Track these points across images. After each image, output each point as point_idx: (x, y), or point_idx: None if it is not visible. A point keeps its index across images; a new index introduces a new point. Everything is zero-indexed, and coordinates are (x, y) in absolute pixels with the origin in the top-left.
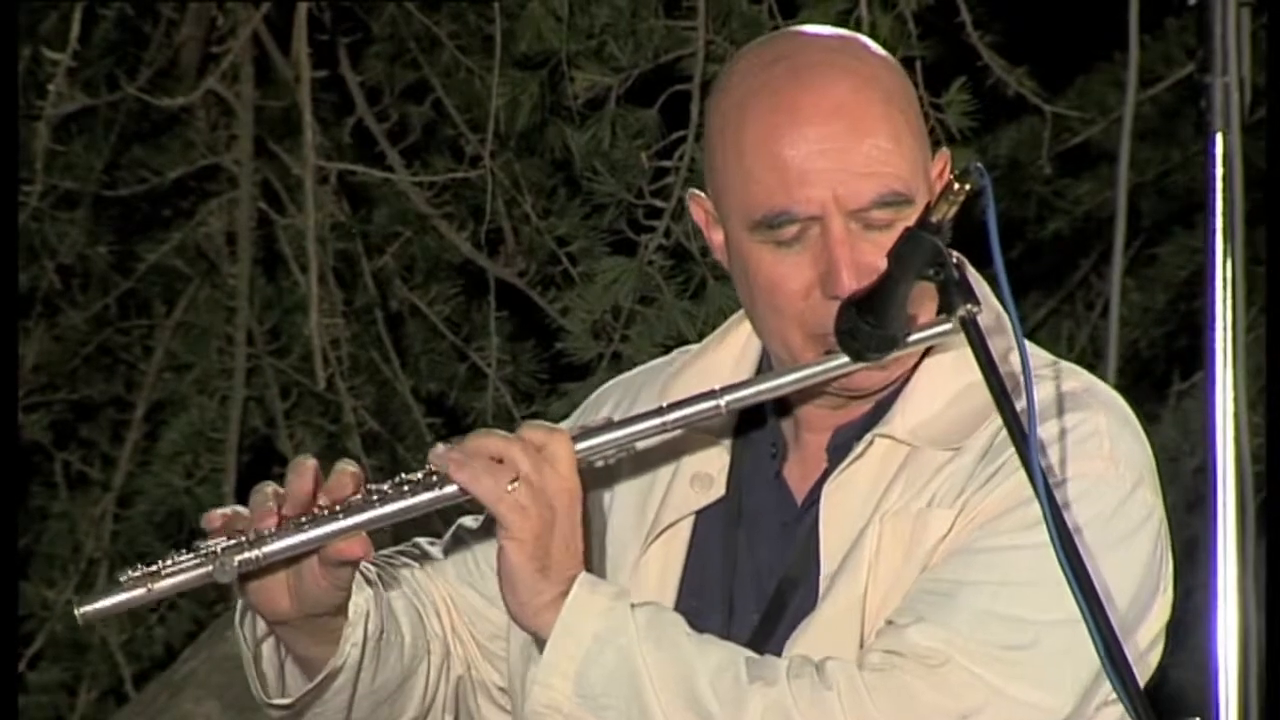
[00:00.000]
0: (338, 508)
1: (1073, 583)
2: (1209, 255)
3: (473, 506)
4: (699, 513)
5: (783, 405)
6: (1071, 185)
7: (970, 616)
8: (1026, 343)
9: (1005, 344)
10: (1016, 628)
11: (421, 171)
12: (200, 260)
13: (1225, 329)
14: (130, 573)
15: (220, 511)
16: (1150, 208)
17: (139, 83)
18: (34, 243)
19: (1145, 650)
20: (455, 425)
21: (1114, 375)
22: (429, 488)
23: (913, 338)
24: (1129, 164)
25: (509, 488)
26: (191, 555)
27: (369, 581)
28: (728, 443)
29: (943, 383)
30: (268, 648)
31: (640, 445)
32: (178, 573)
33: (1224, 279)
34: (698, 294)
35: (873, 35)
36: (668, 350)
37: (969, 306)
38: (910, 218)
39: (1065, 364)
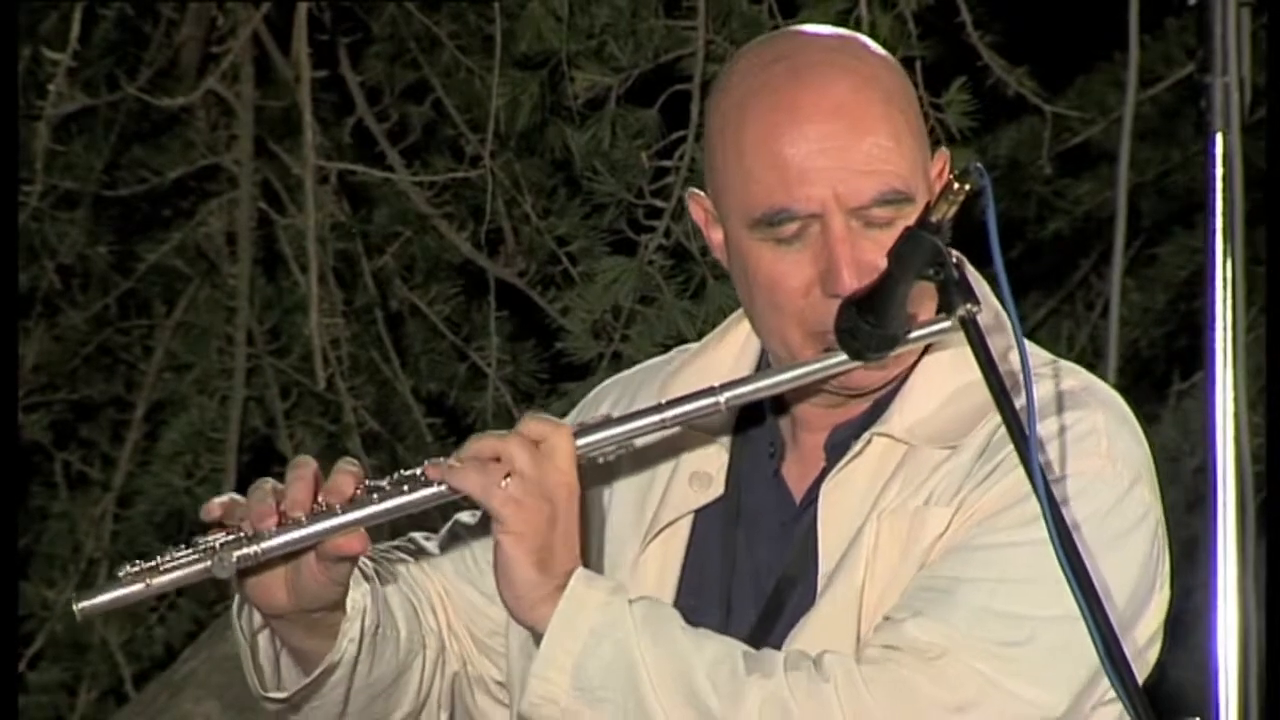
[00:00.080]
0: (336, 504)
1: (1071, 580)
2: (1209, 255)
3: (472, 503)
4: (698, 512)
5: (780, 404)
6: (1071, 185)
7: (968, 613)
8: (1026, 342)
9: (1004, 343)
10: (1013, 624)
11: (421, 171)
12: (200, 260)
13: (1225, 329)
14: (129, 568)
15: (219, 500)
16: (1150, 208)
17: (139, 83)
18: (34, 243)
19: (1144, 647)
20: (455, 425)
21: (1114, 375)
22: (428, 484)
23: (913, 335)
24: (1129, 164)
25: (502, 483)
26: (190, 550)
27: (366, 577)
28: (726, 441)
29: (941, 381)
30: (263, 640)
31: (639, 442)
32: (176, 568)
33: (1224, 279)
34: (698, 294)
35: (873, 35)
36: (667, 350)
37: (969, 306)
38: (910, 216)
39: (1064, 363)
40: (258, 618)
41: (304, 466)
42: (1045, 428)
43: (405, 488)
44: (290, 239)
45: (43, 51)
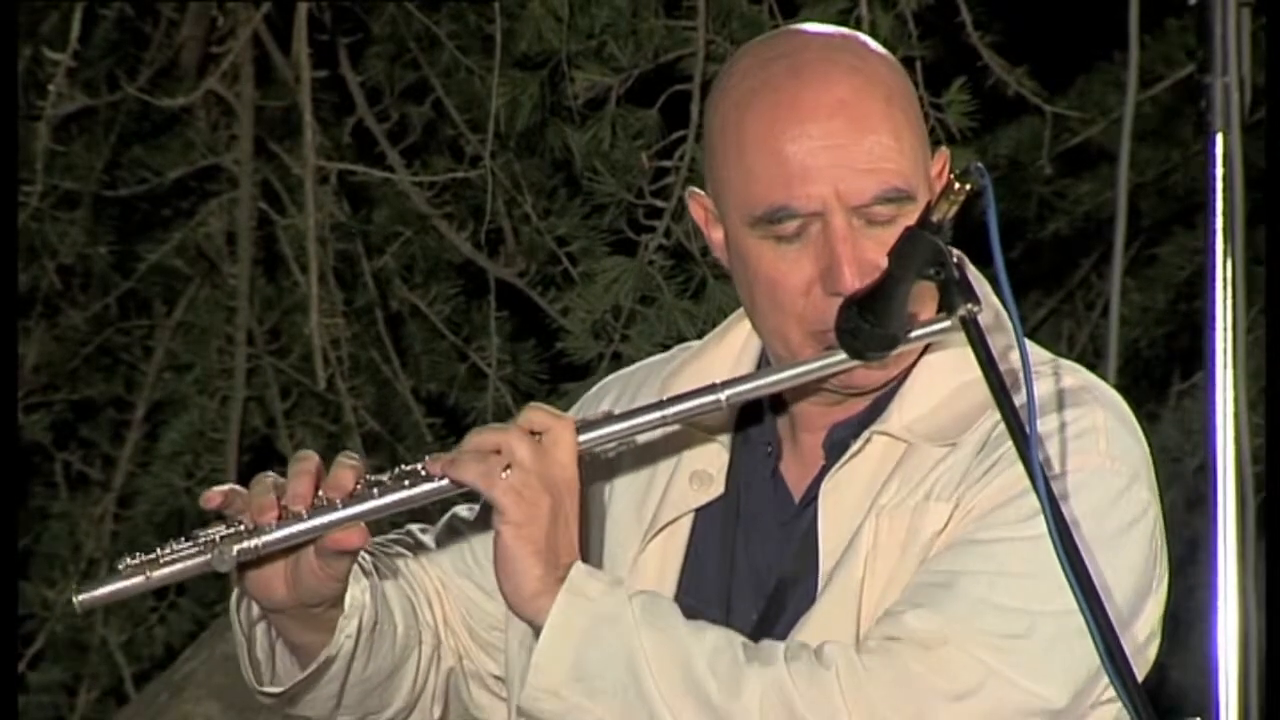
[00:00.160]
0: (337, 499)
1: (1070, 575)
2: (1209, 255)
3: (472, 498)
4: (698, 511)
5: (779, 403)
6: (1071, 185)
7: (967, 605)
8: (1026, 341)
9: (1005, 342)
10: (1012, 617)
11: (421, 171)
12: (200, 260)
13: (1225, 329)
14: (129, 560)
15: (219, 489)
16: (1150, 208)
17: (139, 83)
18: (34, 243)
19: (1143, 644)
20: (455, 425)
21: (1114, 375)
22: (429, 479)
23: (913, 335)
24: (1129, 164)
25: (503, 474)
26: (190, 544)
27: (365, 572)
28: (727, 440)
29: (939, 380)
30: (260, 632)
31: (640, 439)
32: (176, 561)
33: (1224, 279)
34: (698, 294)
35: (873, 35)
36: (667, 350)
37: (969, 306)
38: (912, 214)
39: (1064, 362)
40: (256, 611)
41: (306, 461)
42: (1045, 425)
43: (406, 482)
44: (290, 239)
45: (43, 51)
